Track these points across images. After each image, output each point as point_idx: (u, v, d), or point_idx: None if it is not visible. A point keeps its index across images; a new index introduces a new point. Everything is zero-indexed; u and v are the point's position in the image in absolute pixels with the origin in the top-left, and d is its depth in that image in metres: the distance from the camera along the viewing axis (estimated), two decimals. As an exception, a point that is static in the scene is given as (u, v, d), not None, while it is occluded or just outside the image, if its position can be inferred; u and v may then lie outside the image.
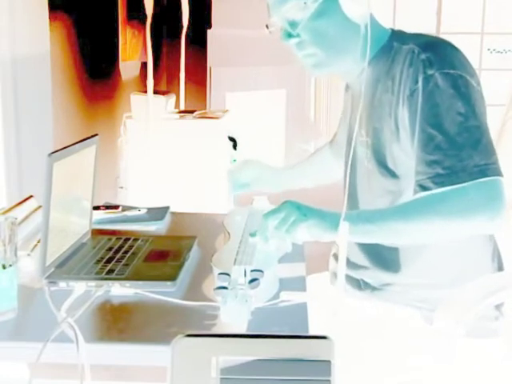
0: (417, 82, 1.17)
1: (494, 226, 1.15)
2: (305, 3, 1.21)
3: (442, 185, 1.13)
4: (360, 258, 1.37)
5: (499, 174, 1.13)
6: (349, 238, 1.13)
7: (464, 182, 1.11)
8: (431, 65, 1.16)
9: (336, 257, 1.49)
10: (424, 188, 1.15)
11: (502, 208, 1.12)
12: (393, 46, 1.26)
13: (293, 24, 1.24)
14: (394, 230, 1.17)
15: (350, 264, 1.39)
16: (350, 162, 1.25)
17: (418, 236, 1.19)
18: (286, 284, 1.15)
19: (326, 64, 1.28)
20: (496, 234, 1.34)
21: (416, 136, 1.18)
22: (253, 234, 1.22)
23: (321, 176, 1.70)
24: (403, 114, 1.20)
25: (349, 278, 1.38)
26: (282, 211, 1.17)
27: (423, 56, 1.18)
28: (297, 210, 1.16)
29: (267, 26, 1.27)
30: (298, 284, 1.17)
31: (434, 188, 1.13)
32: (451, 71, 1.15)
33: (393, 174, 1.26)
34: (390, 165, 1.26)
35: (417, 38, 1.24)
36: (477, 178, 1.11)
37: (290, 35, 1.24)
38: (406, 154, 1.22)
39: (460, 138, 1.13)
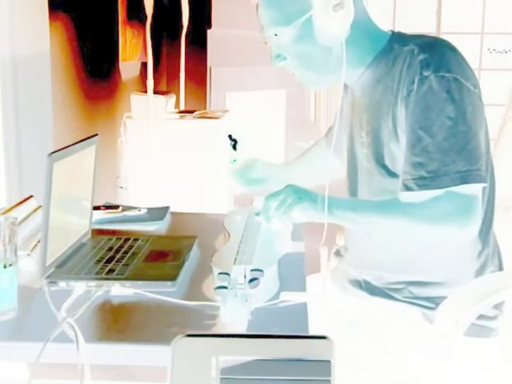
0: (413, 82, 1.18)
1: (464, 234, 1.19)
2: (275, 35, 1.24)
3: (425, 188, 1.16)
4: (361, 258, 1.37)
5: (481, 180, 1.16)
6: (335, 221, 1.25)
7: (445, 186, 1.15)
8: (428, 66, 1.17)
9: (337, 254, 1.49)
10: (407, 188, 1.18)
11: (476, 217, 1.16)
12: (393, 47, 1.26)
13: (278, 49, 1.28)
14: (371, 223, 1.25)
15: (352, 263, 1.39)
16: (350, 162, 1.26)
17: (391, 233, 1.26)
18: (286, 284, 1.15)
19: (320, 81, 1.32)
20: (497, 233, 1.35)
21: (406, 136, 1.19)
22: (257, 213, 1.34)
23: (321, 175, 1.70)
24: (401, 113, 1.21)
25: (350, 277, 1.38)
26: (281, 194, 1.26)
27: (421, 56, 1.18)
28: (294, 193, 1.25)
29: (265, 42, 1.31)
30: (298, 284, 1.17)
31: (417, 190, 1.17)
32: (447, 74, 1.16)
33: (391, 173, 1.26)
34: (388, 164, 1.26)
35: (417, 38, 1.25)
36: (457, 184, 1.14)
37: (277, 59, 1.29)
38: (403, 153, 1.22)
39: (446, 142, 1.15)
